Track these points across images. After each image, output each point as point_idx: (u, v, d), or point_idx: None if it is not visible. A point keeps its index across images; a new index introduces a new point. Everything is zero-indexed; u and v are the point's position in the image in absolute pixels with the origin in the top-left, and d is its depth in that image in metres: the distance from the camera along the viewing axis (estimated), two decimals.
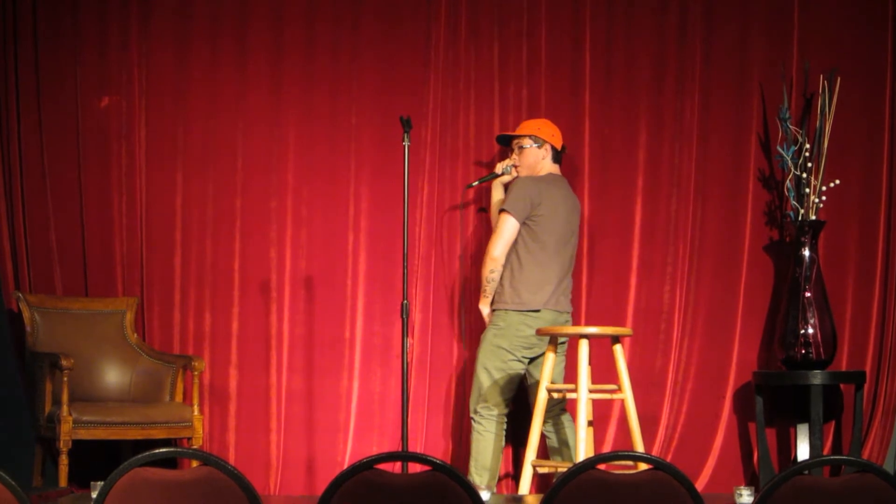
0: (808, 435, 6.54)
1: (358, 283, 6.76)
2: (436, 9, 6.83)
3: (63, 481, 5.99)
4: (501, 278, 6.24)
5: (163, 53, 6.77)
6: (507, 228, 6.21)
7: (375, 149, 6.78)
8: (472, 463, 6.19)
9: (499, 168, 6.48)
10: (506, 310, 6.22)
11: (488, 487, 5.97)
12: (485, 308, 6.32)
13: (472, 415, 6.25)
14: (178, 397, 6.44)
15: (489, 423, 6.19)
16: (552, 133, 6.40)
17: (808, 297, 6.59)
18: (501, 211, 6.24)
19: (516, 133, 6.43)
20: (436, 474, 3.50)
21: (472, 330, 6.63)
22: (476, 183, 6.55)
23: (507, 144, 6.53)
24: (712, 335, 6.85)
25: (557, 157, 6.43)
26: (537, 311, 6.18)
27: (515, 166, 6.42)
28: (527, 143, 6.36)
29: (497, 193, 6.54)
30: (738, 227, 6.88)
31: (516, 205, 6.20)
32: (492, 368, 6.20)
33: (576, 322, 6.71)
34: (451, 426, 6.73)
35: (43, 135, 6.68)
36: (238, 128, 6.78)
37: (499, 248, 6.22)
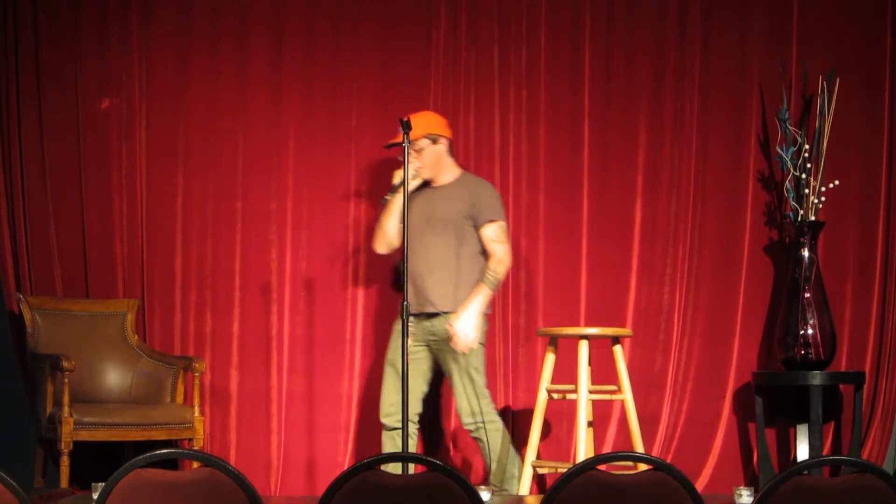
0: (807, 435, 6.54)
1: (358, 284, 6.77)
2: (436, 10, 6.84)
3: (64, 482, 5.99)
4: (472, 282, 6.05)
5: (163, 54, 6.78)
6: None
7: (376, 150, 6.78)
8: (498, 467, 6.07)
9: (406, 176, 6.18)
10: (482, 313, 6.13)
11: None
12: (473, 333, 5.98)
13: (477, 419, 6.06)
14: (179, 398, 6.45)
15: (497, 417, 6.15)
16: (442, 125, 6.17)
17: (807, 298, 6.60)
18: (493, 221, 6.06)
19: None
20: (436, 475, 3.51)
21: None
22: (389, 196, 6.14)
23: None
24: (712, 336, 6.86)
25: (451, 148, 6.25)
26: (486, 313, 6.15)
27: (419, 168, 6.14)
28: (423, 143, 6.09)
29: (399, 200, 6.15)
30: (737, 227, 6.89)
31: (503, 211, 6.14)
32: (481, 368, 6.11)
33: (575, 322, 6.73)
34: (452, 427, 6.74)
35: (44, 136, 6.68)
36: (238, 129, 6.78)
37: (510, 258, 6.14)
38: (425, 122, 6.11)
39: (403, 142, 5.65)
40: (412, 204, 6.07)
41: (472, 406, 6.05)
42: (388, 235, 6.21)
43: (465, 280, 6.03)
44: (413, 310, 5.97)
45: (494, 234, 6.08)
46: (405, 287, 5.59)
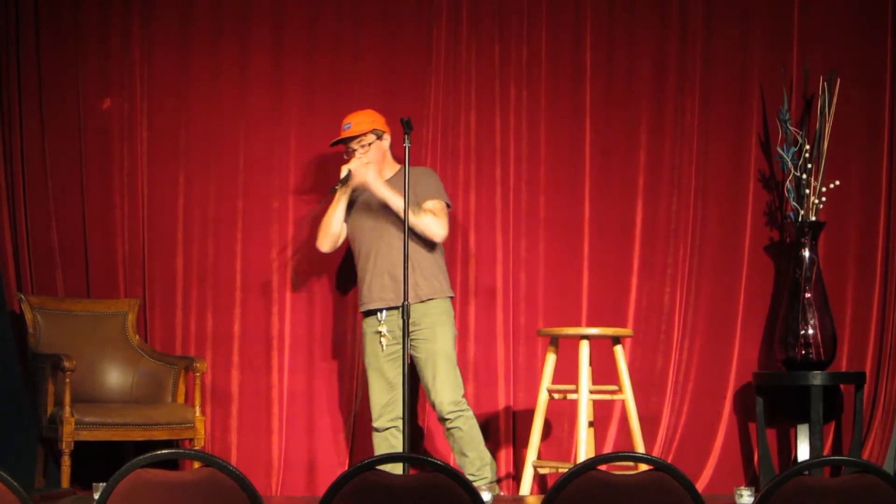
0: (808, 435, 6.55)
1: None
2: (437, 9, 6.84)
3: (65, 482, 5.99)
4: (433, 266, 6.09)
5: (164, 54, 6.78)
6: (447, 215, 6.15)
7: None
8: (476, 454, 6.04)
9: (353, 168, 6.16)
10: (445, 297, 6.12)
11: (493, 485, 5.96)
12: (373, 179, 6.03)
13: (456, 408, 6.03)
14: (180, 398, 6.45)
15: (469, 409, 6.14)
16: (383, 121, 6.22)
17: (808, 298, 6.60)
18: (432, 199, 6.08)
19: (355, 133, 6.17)
20: (436, 475, 3.51)
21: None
22: (338, 187, 6.18)
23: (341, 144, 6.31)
24: (713, 336, 6.86)
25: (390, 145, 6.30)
26: (452, 296, 6.19)
27: (366, 163, 6.16)
28: (370, 138, 6.16)
29: (345, 196, 6.24)
30: (738, 227, 6.89)
31: (445, 194, 6.17)
32: (454, 356, 6.12)
33: (576, 323, 6.73)
34: None
35: (45, 136, 6.68)
36: (240, 128, 6.79)
37: (446, 231, 6.10)
38: (370, 118, 6.20)
39: (405, 142, 5.69)
40: (357, 203, 6.17)
41: (455, 395, 6.06)
42: (332, 232, 6.26)
43: (429, 268, 6.08)
44: (385, 304, 6.05)
45: (432, 206, 6.09)
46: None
